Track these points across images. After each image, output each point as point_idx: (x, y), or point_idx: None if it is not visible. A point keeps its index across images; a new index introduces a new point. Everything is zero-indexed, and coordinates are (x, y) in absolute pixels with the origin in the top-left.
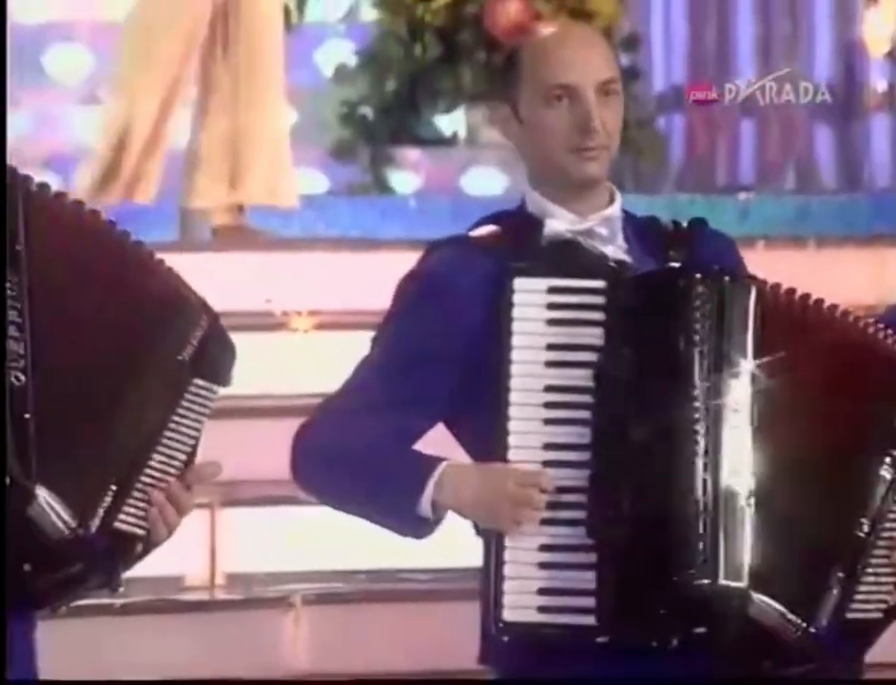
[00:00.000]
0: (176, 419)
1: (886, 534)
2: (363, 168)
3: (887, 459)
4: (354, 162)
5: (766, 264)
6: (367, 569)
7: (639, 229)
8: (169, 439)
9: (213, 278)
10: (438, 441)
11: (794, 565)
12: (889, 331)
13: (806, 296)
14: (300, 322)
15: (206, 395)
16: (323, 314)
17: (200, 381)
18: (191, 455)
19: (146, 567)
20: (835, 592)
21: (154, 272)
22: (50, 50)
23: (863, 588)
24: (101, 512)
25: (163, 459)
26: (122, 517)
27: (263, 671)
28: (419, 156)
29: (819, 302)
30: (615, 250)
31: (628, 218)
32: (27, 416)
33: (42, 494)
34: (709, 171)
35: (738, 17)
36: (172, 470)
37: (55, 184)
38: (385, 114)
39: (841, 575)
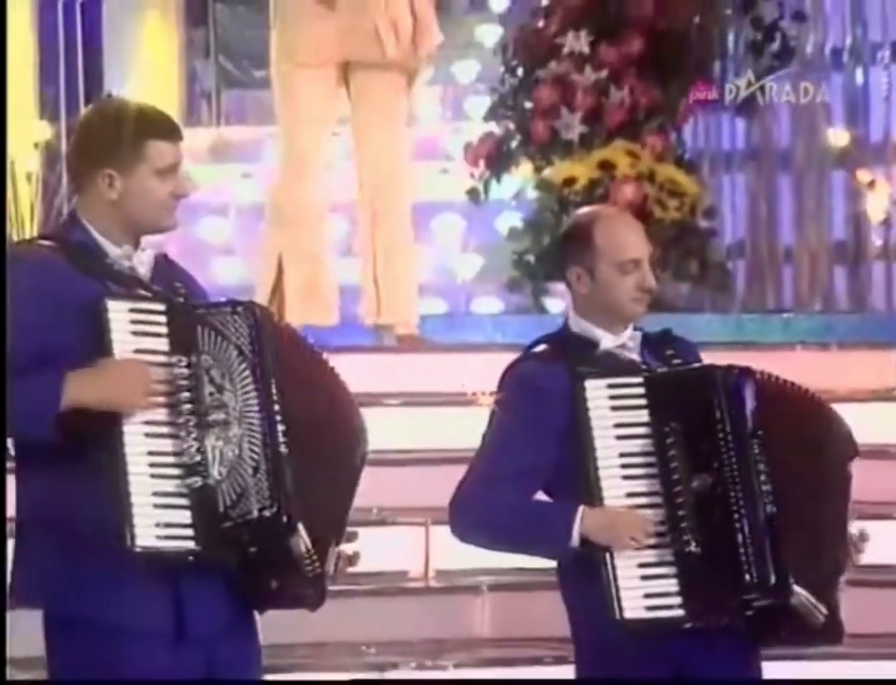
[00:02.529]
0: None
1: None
2: (527, 296)
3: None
4: (521, 292)
5: (802, 361)
6: (532, 567)
7: (650, 342)
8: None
9: (419, 371)
10: None
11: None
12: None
13: (773, 378)
14: (484, 399)
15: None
16: (482, 395)
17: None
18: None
19: (387, 565)
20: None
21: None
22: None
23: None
24: (329, 550)
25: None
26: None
27: (461, 634)
28: (565, 289)
29: (782, 380)
30: (635, 355)
31: (643, 333)
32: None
33: (301, 529)
34: (761, 299)
35: (781, 194)
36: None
37: None
38: (542, 261)
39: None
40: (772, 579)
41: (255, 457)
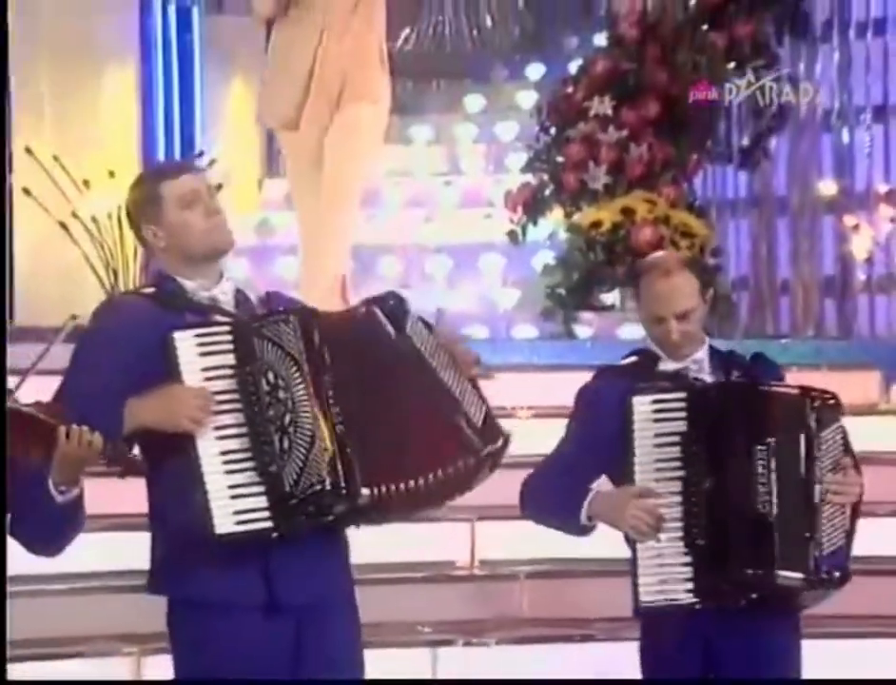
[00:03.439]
0: None
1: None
2: (559, 324)
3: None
4: (553, 320)
5: (796, 381)
6: (563, 558)
7: (721, 359)
8: None
9: None
10: None
11: (790, 543)
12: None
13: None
14: (522, 413)
15: None
16: (536, 408)
17: None
18: None
19: (438, 556)
20: (812, 544)
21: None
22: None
23: (825, 531)
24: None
25: None
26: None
27: (501, 615)
28: (593, 317)
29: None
30: (703, 375)
31: (714, 352)
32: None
33: (364, 491)
34: (761, 326)
35: (778, 236)
36: None
37: None
38: (572, 293)
39: (808, 534)
40: (757, 571)
41: (308, 439)
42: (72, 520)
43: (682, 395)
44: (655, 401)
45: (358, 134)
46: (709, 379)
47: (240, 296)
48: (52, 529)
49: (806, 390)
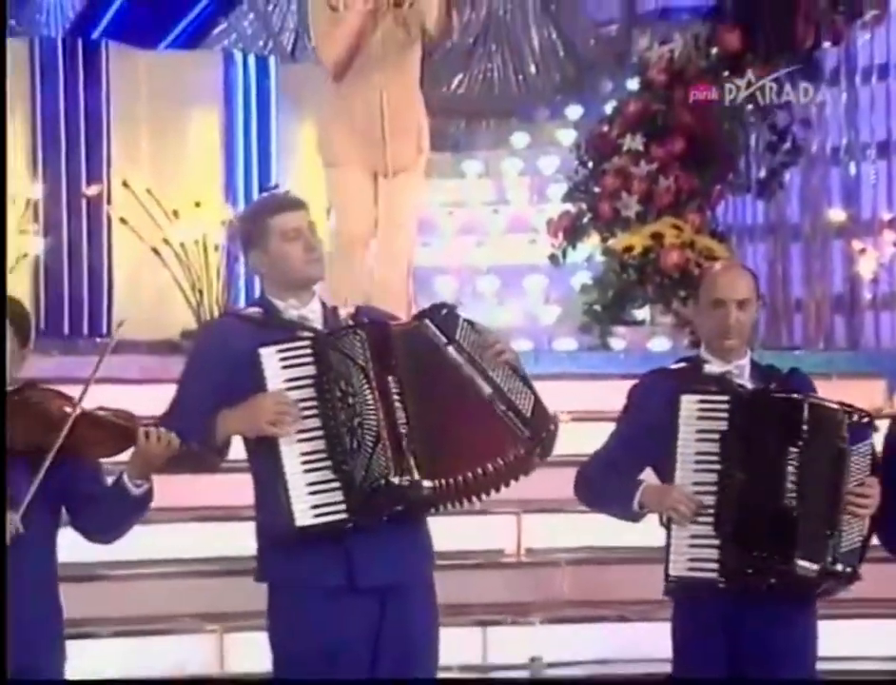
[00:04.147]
0: None
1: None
2: (595, 337)
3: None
4: (590, 334)
5: None
6: (601, 546)
7: (761, 370)
8: None
9: None
10: None
11: (811, 538)
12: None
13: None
14: (563, 417)
15: None
16: (575, 413)
17: None
18: None
19: (488, 545)
20: (831, 541)
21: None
22: None
23: (844, 533)
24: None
25: None
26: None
27: (545, 598)
28: (625, 331)
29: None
30: (743, 381)
31: (755, 363)
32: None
33: (425, 483)
34: (777, 339)
35: (792, 259)
36: None
37: None
38: (607, 310)
39: (829, 532)
40: (778, 558)
41: (374, 439)
42: (139, 511)
43: (726, 398)
44: (702, 401)
45: (407, 180)
46: (749, 385)
47: (329, 312)
48: (120, 518)
49: (844, 406)
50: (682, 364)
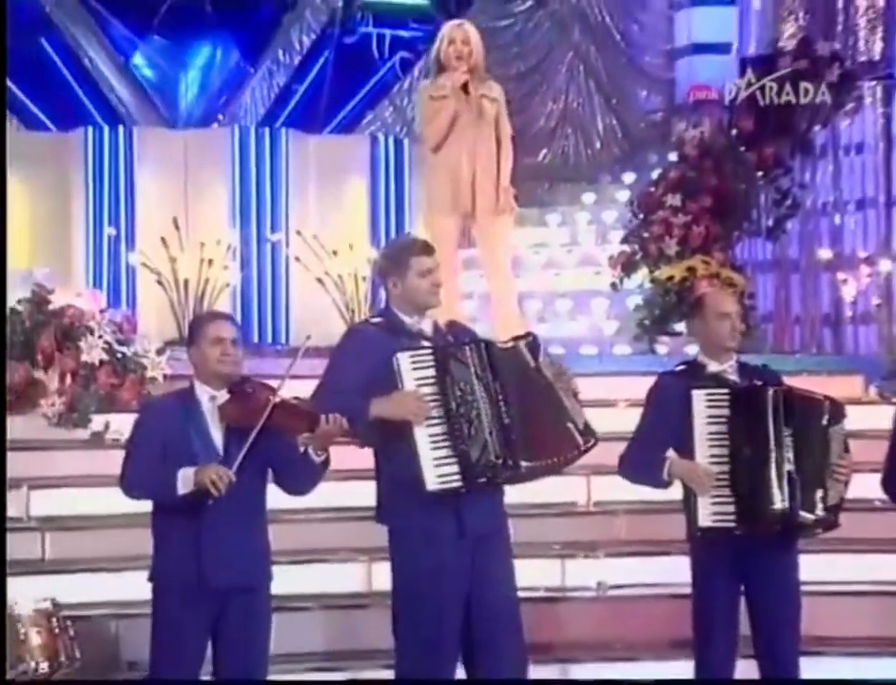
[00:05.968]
0: None
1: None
2: (645, 345)
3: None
4: (642, 342)
5: (806, 384)
6: (652, 499)
7: (744, 367)
8: None
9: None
10: None
11: (807, 495)
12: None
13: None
14: (621, 403)
15: None
16: (630, 400)
17: None
18: None
19: (565, 498)
20: (821, 498)
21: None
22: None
23: (830, 492)
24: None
25: None
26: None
27: (609, 538)
28: (668, 340)
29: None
30: (733, 376)
31: (739, 362)
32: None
33: (523, 464)
34: (781, 345)
35: (792, 286)
36: None
37: None
38: (654, 324)
39: (821, 491)
40: (785, 510)
41: (486, 428)
42: (320, 473)
43: (726, 390)
44: (708, 394)
45: (504, 232)
46: (738, 380)
47: (436, 325)
48: (309, 478)
49: (826, 397)
50: (685, 366)
